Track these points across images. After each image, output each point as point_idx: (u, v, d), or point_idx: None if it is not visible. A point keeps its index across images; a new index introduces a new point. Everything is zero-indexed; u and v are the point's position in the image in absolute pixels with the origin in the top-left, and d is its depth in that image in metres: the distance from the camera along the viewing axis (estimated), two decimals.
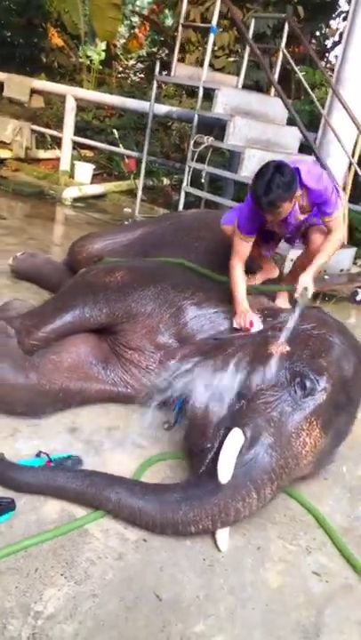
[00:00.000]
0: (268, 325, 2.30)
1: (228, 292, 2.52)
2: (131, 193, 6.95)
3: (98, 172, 7.74)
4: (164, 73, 5.89)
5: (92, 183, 7.21)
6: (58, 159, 7.46)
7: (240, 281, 2.53)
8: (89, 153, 8.23)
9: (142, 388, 2.43)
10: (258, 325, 2.38)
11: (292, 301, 2.64)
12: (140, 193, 5.90)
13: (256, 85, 8.54)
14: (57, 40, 10.53)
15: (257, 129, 4.76)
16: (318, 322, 2.23)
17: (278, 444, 1.86)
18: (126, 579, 1.62)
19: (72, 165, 7.24)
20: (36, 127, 7.51)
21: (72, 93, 6.88)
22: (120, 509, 1.80)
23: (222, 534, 1.80)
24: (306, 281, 2.49)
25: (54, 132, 7.64)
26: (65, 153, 7.20)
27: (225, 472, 1.73)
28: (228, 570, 1.72)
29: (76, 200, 6.56)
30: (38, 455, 2.02)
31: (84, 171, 7.17)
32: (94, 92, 7.76)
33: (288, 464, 1.86)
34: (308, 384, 1.97)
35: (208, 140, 4.66)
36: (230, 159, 5.80)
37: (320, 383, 1.98)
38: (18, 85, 7.36)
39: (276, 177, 2.29)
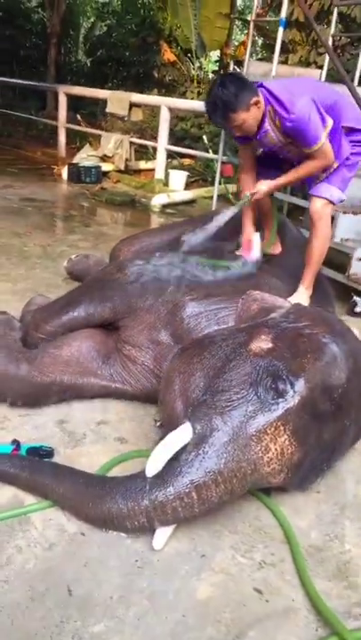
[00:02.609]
0: (259, 320, 2.14)
1: (232, 287, 2.42)
2: (222, 198, 6.93)
3: (194, 179, 7.84)
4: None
5: (186, 190, 7.32)
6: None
7: (245, 173, 2.89)
8: (187, 161, 8.36)
9: (138, 385, 2.41)
10: (255, 252, 2.63)
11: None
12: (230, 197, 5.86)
13: None
14: (169, 55, 10.87)
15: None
16: (314, 320, 2.03)
17: (232, 446, 1.72)
18: (45, 570, 1.59)
19: (167, 174, 7.40)
20: (134, 139, 7.79)
21: (165, 104, 7.04)
22: (63, 501, 1.79)
23: (161, 533, 1.70)
24: (259, 187, 2.67)
25: (151, 143, 7.86)
26: (160, 162, 7.39)
27: (152, 465, 1.64)
28: (157, 574, 1.62)
29: (165, 206, 6.70)
30: (13, 442, 2.08)
31: (178, 178, 7.29)
32: (185, 101, 7.89)
33: (241, 469, 1.71)
34: (280, 385, 1.80)
35: None
36: None
37: (294, 386, 1.80)
38: (118, 101, 7.71)
39: (218, 90, 2.43)
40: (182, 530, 1.77)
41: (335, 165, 2.71)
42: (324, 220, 2.77)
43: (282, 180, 2.73)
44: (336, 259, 4.20)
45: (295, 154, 2.77)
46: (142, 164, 8.24)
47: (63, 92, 8.67)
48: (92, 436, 2.23)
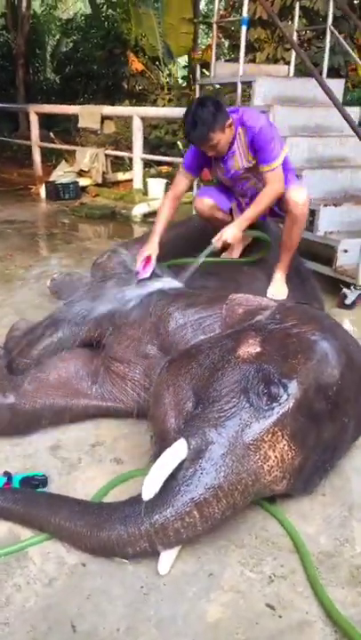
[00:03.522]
0: (245, 324, 2.08)
1: (212, 294, 2.37)
2: None
3: None
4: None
5: None
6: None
7: (165, 211, 2.85)
8: (165, 168, 8.33)
9: (130, 401, 2.34)
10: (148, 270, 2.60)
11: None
12: None
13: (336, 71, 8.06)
14: (137, 65, 10.85)
15: (302, 115, 4.46)
16: (301, 319, 1.97)
17: (230, 458, 1.65)
18: (46, 607, 1.52)
19: (145, 183, 7.36)
20: (109, 151, 7.75)
21: (137, 113, 7.00)
22: (60, 532, 1.71)
23: (166, 557, 1.63)
24: (226, 232, 2.59)
25: (126, 154, 7.83)
26: (137, 172, 7.34)
27: (149, 488, 1.58)
28: (164, 599, 1.55)
29: (146, 215, 6.65)
30: (5, 474, 2.01)
31: (157, 186, 7.24)
32: (157, 109, 7.89)
33: (242, 480, 1.65)
34: (272, 390, 1.74)
35: None
36: None
37: (287, 389, 1.74)
38: (89, 115, 7.68)
39: (199, 109, 2.49)
40: (187, 549, 1.71)
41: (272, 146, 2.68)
42: (305, 205, 2.75)
43: (247, 216, 2.67)
44: (322, 252, 4.16)
45: (250, 186, 2.83)
46: (120, 176, 8.20)
47: (34, 111, 8.62)
48: (86, 459, 2.16)
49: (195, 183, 5.75)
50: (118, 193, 7.73)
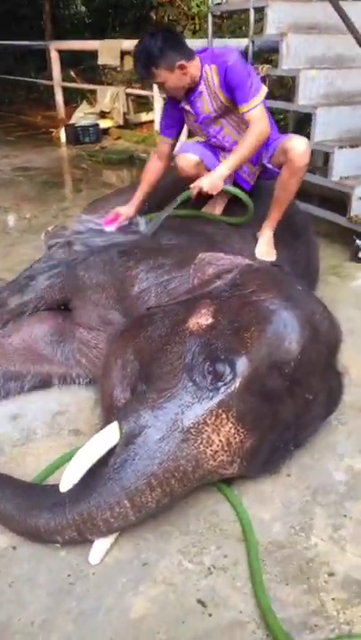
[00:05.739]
0: (203, 291, 1.88)
1: (185, 252, 2.15)
2: None
3: None
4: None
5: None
6: None
7: (149, 173, 2.68)
8: None
9: (96, 369, 2.21)
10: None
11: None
12: None
13: None
14: None
15: (322, 44, 4.01)
16: (262, 285, 1.76)
17: (166, 443, 1.51)
18: None
19: None
20: (130, 90, 7.36)
21: None
22: None
23: (99, 545, 1.53)
24: (206, 179, 2.35)
25: (148, 92, 7.41)
26: (158, 111, 6.95)
27: (68, 478, 1.46)
28: (90, 590, 1.46)
29: None
30: None
31: None
32: None
33: (180, 467, 1.51)
34: (217, 367, 1.57)
35: (263, 70, 4.05)
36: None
37: (234, 366, 1.56)
38: (108, 50, 7.25)
39: (146, 41, 2.26)
40: (127, 534, 1.60)
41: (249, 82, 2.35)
42: (307, 154, 2.41)
43: (230, 161, 2.36)
44: (336, 199, 3.83)
45: (225, 134, 2.53)
46: (143, 117, 7.81)
47: (54, 48, 8.24)
48: (45, 430, 2.07)
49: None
50: (140, 135, 7.39)
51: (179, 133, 2.68)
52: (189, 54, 2.35)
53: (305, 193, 4.37)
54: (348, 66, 4.02)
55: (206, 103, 2.43)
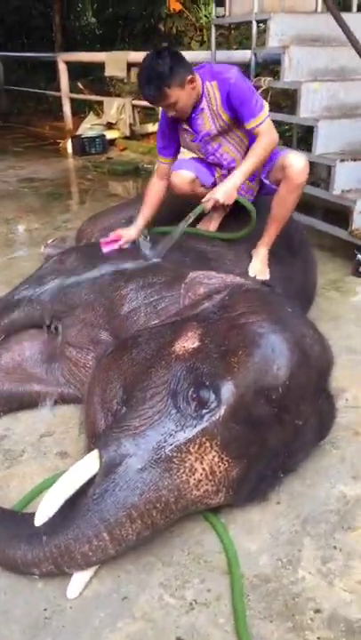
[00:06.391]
0: (190, 313, 1.84)
1: (177, 271, 2.12)
2: None
3: None
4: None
5: None
6: None
7: (151, 194, 2.59)
8: None
9: (84, 388, 2.16)
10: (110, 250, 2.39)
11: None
12: None
13: None
14: (175, 4, 10.17)
15: (325, 56, 3.97)
16: (252, 306, 1.71)
17: (148, 473, 1.46)
18: None
19: None
20: (137, 102, 7.36)
21: None
22: None
23: (78, 578, 1.48)
24: (218, 190, 2.29)
25: None
26: None
27: (43, 511, 1.42)
28: (66, 626, 1.41)
29: None
30: None
31: None
32: (186, 53, 7.29)
33: (161, 498, 1.46)
34: (202, 394, 1.52)
35: (265, 83, 4.01)
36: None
37: (219, 393, 1.51)
38: (115, 62, 7.28)
39: (154, 62, 2.18)
40: (108, 565, 1.55)
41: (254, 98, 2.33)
42: (305, 171, 2.36)
43: (242, 170, 2.30)
44: (338, 213, 3.78)
45: (223, 152, 2.48)
46: (150, 127, 7.81)
47: (62, 60, 8.29)
48: (31, 451, 2.02)
49: None
50: (147, 146, 7.39)
51: (177, 152, 2.63)
52: (191, 68, 2.29)
53: (308, 205, 4.35)
54: (351, 78, 3.97)
55: (208, 120, 2.37)
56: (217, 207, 2.39)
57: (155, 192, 2.62)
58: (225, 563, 1.57)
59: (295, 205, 2.44)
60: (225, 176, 2.47)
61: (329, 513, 1.73)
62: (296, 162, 2.33)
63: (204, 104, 2.34)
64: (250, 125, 2.31)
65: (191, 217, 2.37)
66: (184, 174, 2.50)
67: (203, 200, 2.35)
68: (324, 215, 4.29)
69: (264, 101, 2.32)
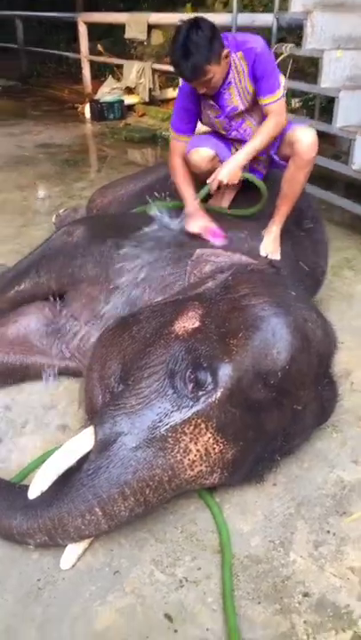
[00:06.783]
0: (193, 292, 1.81)
1: (185, 245, 2.09)
2: None
3: None
4: None
5: None
6: None
7: (182, 176, 2.41)
8: None
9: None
10: (219, 235, 2.22)
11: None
12: None
13: None
14: None
15: (350, 23, 3.80)
16: (255, 288, 1.68)
17: (142, 452, 1.47)
18: None
19: None
20: (157, 66, 7.18)
21: (180, 19, 6.34)
22: None
23: (72, 549, 1.51)
24: (223, 169, 2.23)
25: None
26: None
27: (37, 484, 1.43)
28: (57, 597, 1.44)
29: None
30: None
31: None
32: (208, 15, 7.07)
33: (155, 477, 1.47)
34: (199, 375, 1.51)
35: (286, 49, 3.87)
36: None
37: (216, 375, 1.50)
38: (136, 24, 7.08)
39: (193, 34, 2.03)
40: (102, 538, 1.58)
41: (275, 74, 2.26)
42: (314, 147, 2.28)
43: (246, 151, 2.25)
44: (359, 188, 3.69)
45: (246, 126, 2.40)
46: (170, 93, 7.62)
47: (82, 20, 8.08)
48: (33, 423, 2.05)
49: None
50: (166, 112, 7.22)
51: (195, 128, 2.47)
52: (223, 41, 2.15)
53: (328, 179, 4.25)
54: None
55: (235, 95, 2.28)
56: (222, 187, 2.32)
57: (184, 170, 2.43)
58: (217, 542, 1.58)
59: (306, 182, 2.36)
60: None
61: (325, 497, 1.73)
62: (305, 137, 2.25)
63: (231, 77, 2.24)
64: (264, 101, 2.24)
65: (200, 195, 2.32)
66: (205, 152, 2.38)
67: (208, 180, 2.29)
68: (345, 189, 4.19)
69: (282, 79, 2.25)
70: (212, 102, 2.34)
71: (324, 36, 3.72)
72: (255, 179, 2.38)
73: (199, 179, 2.42)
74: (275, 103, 2.23)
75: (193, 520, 1.66)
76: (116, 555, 1.55)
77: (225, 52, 2.13)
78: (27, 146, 6.07)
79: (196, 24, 2.07)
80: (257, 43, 2.18)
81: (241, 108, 2.33)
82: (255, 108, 2.34)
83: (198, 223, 2.27)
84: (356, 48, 3.77)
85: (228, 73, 2.23)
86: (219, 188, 2.32)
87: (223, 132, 2.48)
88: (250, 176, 2.37)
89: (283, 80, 2.26)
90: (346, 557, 1.54)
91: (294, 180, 2.31)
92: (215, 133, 2.52)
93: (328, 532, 1.61)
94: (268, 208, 2.38)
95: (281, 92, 2.25)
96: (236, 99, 2.30)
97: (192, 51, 2.05)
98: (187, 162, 2.42)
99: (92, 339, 2.13)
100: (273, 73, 2.22)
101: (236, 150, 2.48)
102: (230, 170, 2.25)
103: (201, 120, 2.47)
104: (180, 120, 2.42)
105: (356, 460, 1.86)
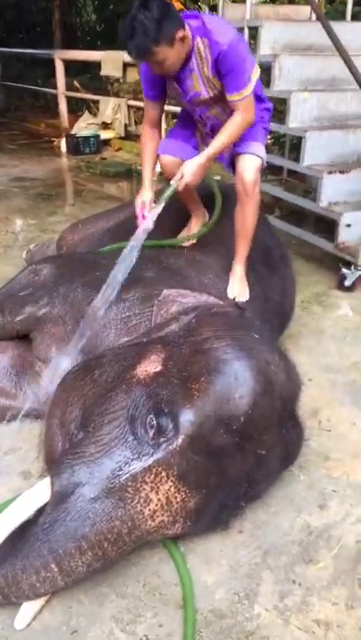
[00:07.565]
0: (157, 332, 1.79)
1: (152, 285, 2.08)
2: None
3: None
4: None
5: None
6: None
7: (148, 148, 2.45)
8: None
9: None
10: (148, 222, 2.18)
11: None
12: None
13: None
14: (175, 4, 10.09)
15: (316, 65, 3.92)
16: (218, 331, 1.66)
17: (100, 503, 1.42)
18: None
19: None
20: (132, 102, 7.30)
21: None
22: None
23: (27, 608, 1.44)
24: (186, 168, 2.19)
25: None
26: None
27: None
28: None
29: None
30: None
31: None
32: None
33: (114, 529, 1.42)
34: (160, 422, 1.47)
35: None
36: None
37: (177, 421, 1.47)
38: (111, 61, 7.22)
39: (140, 14, 1.94)
40: (61, 595, 1.51)
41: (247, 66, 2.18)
42: (259, 183, 2.32)
43: (210, 151, 2.23)
44: (326, 225, 3.74)
45: (211, 114, 2.38)
46: None
47: (59, 57, 8.21)
48: None
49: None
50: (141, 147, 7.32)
51: (165, 93, 2.39)
52: (182, 22, 2.05)
53: (299, 214, 4.32)
54: (342, 88, 3.92)
55: (197, 82, 2.22)
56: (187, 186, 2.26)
57: (152, 148, 2.44)
58: (181, 596, 1.53)
59: (256, 214, 2.36)
60: (208, 135, 2.42)
61: (291, 544, 1.69)
62: (247, 174, 2.27)
63: (193, 64, 2.15)
64: (231, 98, 2.18)
65: (165, 198, 2.23)
66: (167, 159, 2.41)
67: (171, 182, 2.25)
68: (315, 224, 4.25)
69: (255, 70, 2.17)
70: (175, 85, 2.28)
71: (291, 77, 3.82)
72: (215, 187, 2.45)
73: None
74: (243, 100, 2.17)
75: (156, 572, 1.60)
76: (74, 612, 1.49)
77: (181, 34, 2.02)
78: (1, 180, 6.06)
79: (144, 3, 1.96)
80: (224, 37, 2.07)
81: (205, 95, 2.27)
82: (223, 98, 2.25)
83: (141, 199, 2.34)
84: (322, 90, 3.88)
85: (190, 57, 2.14)
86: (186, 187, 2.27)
87: (190, 112, 2.46)
88: (212, 183, 2.44)
89: (256, 72, 2.19)
90: (311, 609, 1.50)
91: (243, 217, 2.33)
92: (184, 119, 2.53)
93: (294, 581, 1.57)
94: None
95: (249, 88, 2.16)
96: (199, 86, 2.24)
97: (137, 30, 1.96)
98: (160, 164, 2.46)
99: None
100: (240, 69, 2.12)
101: (201, 133, 2.50)
102: (194, 169, 2.20)
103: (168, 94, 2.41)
104: (146, 87, 2.38)
105: (322, 505, 1.83)
